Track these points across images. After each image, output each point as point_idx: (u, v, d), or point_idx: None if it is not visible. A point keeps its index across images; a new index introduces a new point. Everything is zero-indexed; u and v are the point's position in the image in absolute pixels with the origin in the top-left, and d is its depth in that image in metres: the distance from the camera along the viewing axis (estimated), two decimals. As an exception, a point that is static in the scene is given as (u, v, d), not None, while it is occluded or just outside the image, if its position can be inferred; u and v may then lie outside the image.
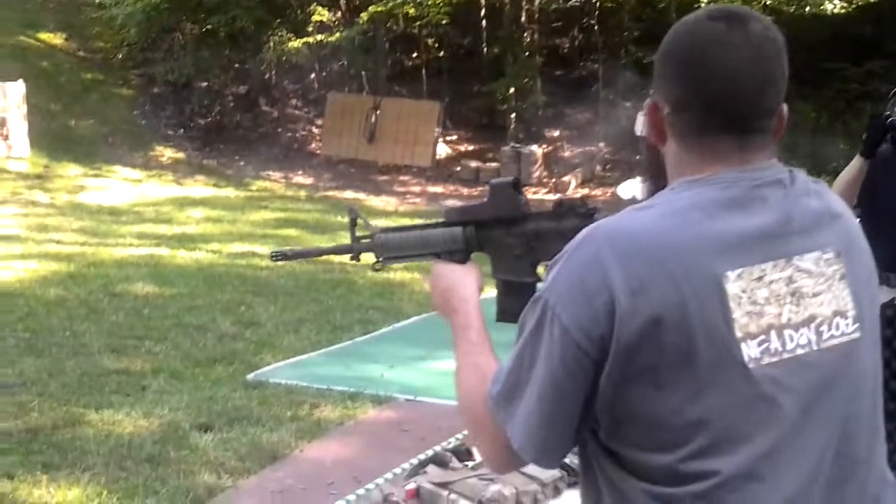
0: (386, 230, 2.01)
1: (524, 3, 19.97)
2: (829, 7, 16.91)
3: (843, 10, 17.48)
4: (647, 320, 1.36)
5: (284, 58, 18.83)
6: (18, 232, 11.66)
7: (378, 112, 18.51)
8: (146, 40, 20.11)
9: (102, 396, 5.81)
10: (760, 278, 1.41)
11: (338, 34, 18.63)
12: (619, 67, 17.58)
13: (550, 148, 18.79)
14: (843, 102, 16.79)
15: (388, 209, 15.68)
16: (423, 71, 21.19)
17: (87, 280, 9.05)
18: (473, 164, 18.62)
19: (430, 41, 21.67)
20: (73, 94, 19.00)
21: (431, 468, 4.41)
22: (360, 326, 7.73)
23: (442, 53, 21.75)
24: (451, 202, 15.76)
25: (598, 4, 20.16)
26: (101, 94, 19.38)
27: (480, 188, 17.15)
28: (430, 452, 4.75)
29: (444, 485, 4.16)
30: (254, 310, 8.17)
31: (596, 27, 20.23)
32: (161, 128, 19.30)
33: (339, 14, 20.56)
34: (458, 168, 18.74)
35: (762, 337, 1.40)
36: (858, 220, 1.62)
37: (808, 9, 16.89)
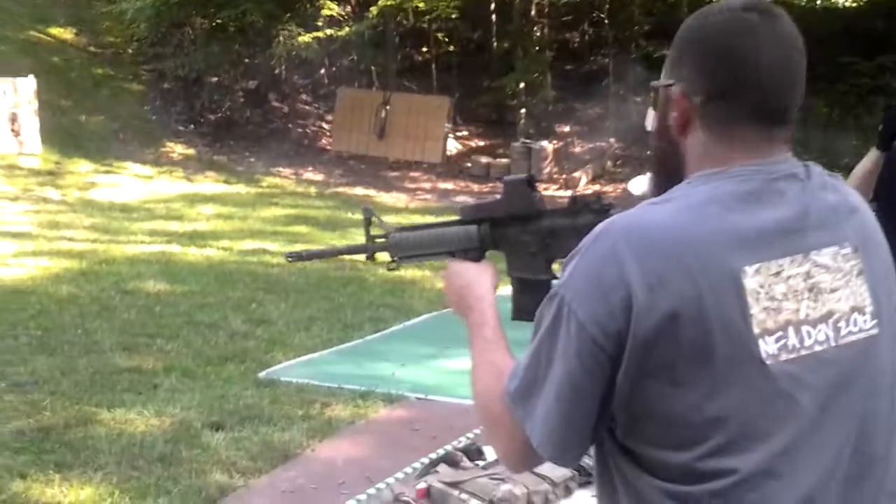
0: (400, 229, 2.00)
1: (534, -4, 19.93)
2: (840, 0, 16.85)
3: (854, 4, 17.44)
4: (664, 315, 1.35)
5: (294, 52, 18.81)
6: (30, 229, 11.69)
7: (388, 107, 18.50)
8: (156, 35, 20.12)
9: (114, 395, 5.82)
10: (778, 273, 1.40)
11: (347, 29, 18.61)
12: (630, 62, 17.53)
13: (561, 143, 18.77)
14: (854, 97, 16.72)
15: (399, 205, 15.67)
16: (433, 66, 21.18)
17: (99, 277, 9.07)
18: (484, 159, 18.60)
19: (439, 36, 21.66)
20: (83, 89, 19.02)
21: (442, 467, 4.41)
22: (371, 324, 7.73)
23: (452, 48, 21.73)
24: (462, 198, 15.75)
25: (608, -2, 20.12)
26: (111, 90, 19.40)
27: (491, 184, 17.14)
28: (441, 452, 4.75)
29: (454, 484, 4.16)
30: (265, 307, 8.17)
31: (606, 21, 20.17)
32: (171, 123, 19.32)
33: (348, 8, 20.54)
34: (469, 164, 18.73)
35: (780, 333, 1.39)
36: (875, 213, 1.61)
37: (819, 2, 16.84)
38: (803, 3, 17.48)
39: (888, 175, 4.03)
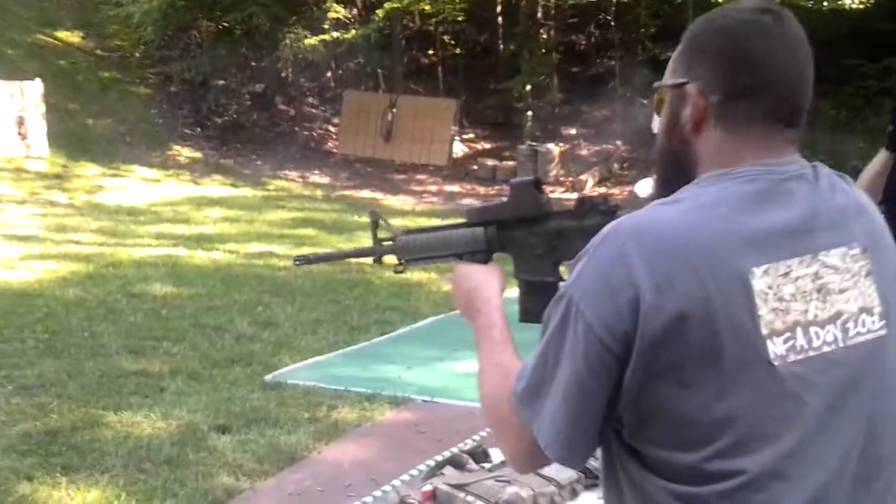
0: (407, 232, 2.00)
1: (540, -1, 19.95)
2: (847, 2, 16.82)
3: (861, 6, 17.40)
4: (672, 316, 1.35)
5: (300, 55, 18.86)
6: (37, 232, 11.71)
7: (394, 110, 18.52)
8: (163, 38, 20.20)
9: (121, 398, 5.82)
10: (787, 274, 1.40)
11: (354, 31, 18.65)
12: (637, 64, 17.54)
13: (567, 146, 18.77)
14: (861, 99, 16.70)
15: (405, 208, 15.68)
16: (440, 68, 21.21)
17: (106, 280, 9.08)
18: (490, 162, 18.61)
19: (446, 38, 21.69)
20: (90, 93, 19.07)
21: (448, 470, 4.40)
22: (377, 327, 7.73)
23: (458, 51, 21.77)
24: (468, 201, 15.76)
25: (614, 0, 20.12)
26: (118, 93, 19.45)
27: (497, 187, 17.15)
28: (446, 454, 4.75)
29: (460, 486, 4.15)
30: (271, 310, 8.18)
31: (613, 24, 20.19)
32: (178, 126, 19.36)
33: (354, 11, 20.57)
34: (475, 166, 18.74)
35: (788, 334, 1.39)
36: (884, 215, 1.61)
37: (826, 4, 16.82)
38: (810, 5, 17.45)
39: None
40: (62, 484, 4.59)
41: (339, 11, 19.44)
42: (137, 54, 20.64)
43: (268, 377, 6.32)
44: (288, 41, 18.81)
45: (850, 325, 1.45)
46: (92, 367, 6.38)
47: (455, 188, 17.70)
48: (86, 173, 16.16)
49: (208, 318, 7.82)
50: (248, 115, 20.22)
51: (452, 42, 21.86)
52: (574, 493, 4.18)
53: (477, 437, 5.03)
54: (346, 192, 16.98)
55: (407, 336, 7.58)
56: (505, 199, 1.87)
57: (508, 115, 20.15)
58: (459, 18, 19.16)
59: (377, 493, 4.48)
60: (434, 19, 19.67)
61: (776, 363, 1.38)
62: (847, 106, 16.78)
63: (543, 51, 19.90)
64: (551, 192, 16.44)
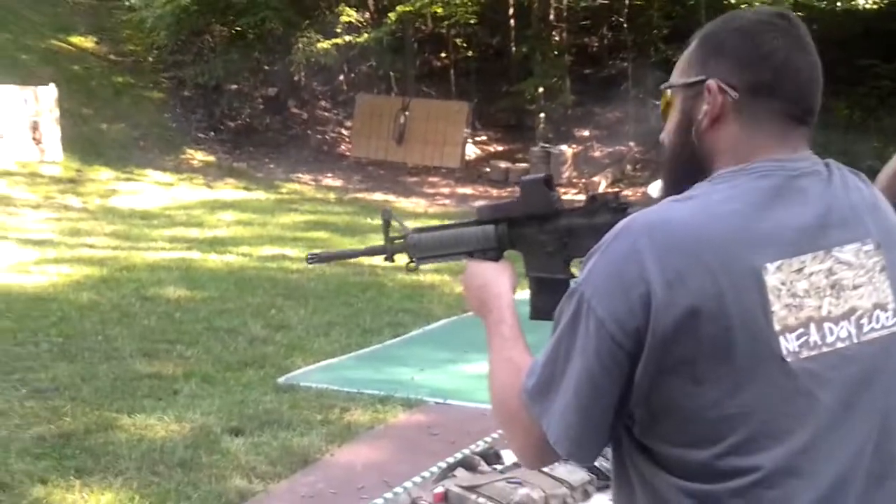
0: (419, 230, 2.00)
1: (552, 1, 19.94)
2: (860, 2, 16.75)
3: (874, 6, 17.33)
4: (684, 312, 1.35)
5: (313, 59, 18.89)
6: (51, 236, 11.77)
7: (407, 113, 18.54)
8: (176, 43, 20.27)
9: (135, 401, 5.84)
10: (800, 270, 1.40)
11: (366, 35, 18.68)
12: (649, 66, 17.50)
13: (580, 148, 18.75)
14: (875, 99, 16.64)
15: (418, 211, 15.69)
16: (452, 71, 21.22)
17: (120, 284, 9.12)
18: (503, 164, 18.60)
19: (458, 41, 21.71)
20: (104, 97, 19.15)
21: (460, 472, 4.40)
22: (389, 329, 7.74)
23: (470, 53, 21.78)
24: (481, 203, 15.75)
25: (627, 2, 20.10)
26: (132, 98, 19.52)
27: (510, 189, 17.15)
28: (458, 456, 4.75)
29: (472, 488, 4.15)
30: (284, 313, 8.19)
31: (625, 25, 20.16)
32: (191, 131, 19.42)
33: (367, 14, 20.60)
34: (488, 169, 18.74)
35: (801, 330, 1.39)
36: None
37: (839, 4, 16.75)
38: (823, 5, 17.40)
39: None
40: (76, 487, 4.61)
41: (351, 15, 19.47)
42: (151, 59, 20.72)
43: (280, 380, 6.33)
44: (300, 45, 18.85)
45: (864, 321, 1.44)
46: (106, 371, 6.41)
47: (468, 190, 17.71)
48: (100, 177, 16.22)
49: (221, 320, 7.84)
50: (261, 118, 20.27)
51: (465, 45, 21.87)
52: (586, 495, 4.17)
53: (489, 439, 5.03)
54: (359, 195, 17.00)
55: (420, 338, 7.59)
56: (516, 196, 1.87)
57: (521, 117, 20.15)
58: (472, 21, 19.17)
59: (389, 494, 4.49)
60: (446, 22, 19.69)
61: (789, 359, 1.38)
62: (861, 106, 16.72)
63: (556, 53, 19.88)
64: (564, 193, 16.42)
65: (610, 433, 1.46)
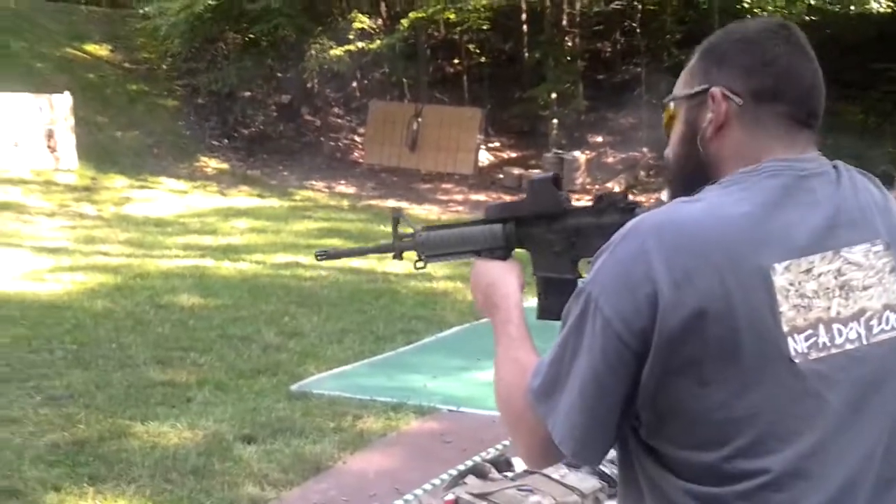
0: (427, 228, 2.01)
1: (565, 6, 19.94)
2: (874, 6, 16.68)
3: (888, 10, 17.27)
4: (691, 312, 1.34)
5: (326, 66, 18.94)
6: (66, 244, 11.82)
7: (420, 119, 18.55)
8: (190, 51, 20.35)
9: (148, 408, 5.86)
10: (809, 271, 1.39)
11: (379, 41, 18.71)
12: (663, 71, 17.47)
13: (593, 154, 18.74)
14: (890, 104, 16.57)
15: (431, 217, 15.70)
16: (465, 77, 21.23)
17: (134, 292, 9.15)
18: (516, 170, 18.60)
19: (471, 47, 21.72)
20: (118, 105, 19.24)
21: (470, 479, 4.39)
22: (402, 337, 7.74)
23: (483, 59, 21.78)
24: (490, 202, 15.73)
25: (640, 7, 20.08)
26: (146, 106, 19.61)
27: (523, 195, 17.12)
28: (469, 463, 4.74)
29: (482, 496, 4.14)
30: (297, 320, 8.21)
31: (638, 30, 20.14)
32: (205, 138, 19.49)
33: (379, 21, 20.65)
34: (501, 175, 18.74)
35: (810, 331, 1.38)
36: None
37: (853, 8, 16.69)
38: (837, 9, 17.34)
39: None
40: (89, 494, 4.63)
41: (364, 22, 19.51)
42: (165, 67, 20.80)
43: (293, 387, 6.34)
44: (314, 52, 18.90)
45: (874, 322, 1.43)
46: (119, 378, 6.43)
47: (481, 197, 17.70)
48: (114, 185, 16.29)
49: (235, 328, 7.86)
50: (275, 126, 20.32)
51: (477, 51, 21.88)
52: (597, 502, 4.16)
53: (500, 446, 5.02)
54: (372, 202, 17.02)
55: (433, 345, 7.59)
56: (525, 196, 1.88)
57: (534, 123, 20.13)
58: (484, 27, 19.19)
59: (399, 502, 4.49)
60: (459, 28, 19.70)
61: (797, 360, 1.37)
62: (875, 110, 16.66)
63: (568, 58, 19.88)
64: (577, 199, 16.40)
65: (616, 434, 1.46)
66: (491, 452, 4.98)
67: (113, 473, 4.87)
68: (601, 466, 4.08)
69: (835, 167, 1.50)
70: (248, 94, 20.34)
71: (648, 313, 1.36)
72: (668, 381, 1.38)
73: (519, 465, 4.40)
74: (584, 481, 4.04)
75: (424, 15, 18.11)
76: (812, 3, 16.58)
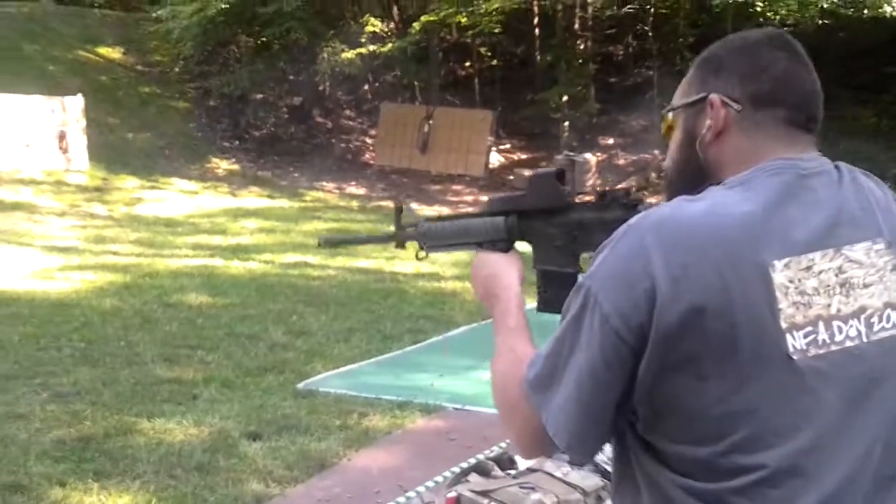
0: (430, 219, 2.01)
1: (577, 10, 19.93)
2: (888, 10, 16.59)
3: (902, 13, 17.18)
4: (689, 308, 1.34)
5: (337, 69, 18.98)
6: (76, 244, 11.87)
7: (431, 122, 18.57)
8: (202, 53, 20.42)
9: (154, 405, 5.87)
10: (809, 268, 1.39)
11: (390, 44, 18.75)
12: (675, 74, 17.42)
13: (604, 156, 18.72)
14: (904, 108, 16.51)
15: (441, 219, 15.69)
16: (476, 80, 21.25)
17: (143, 291, 9.17)
18: (527, 172, 18.56)
19: (482, 50, 21.74)
20: (130, 107, 19.31)
21: (473, 476, 4.37)
22: (410, 336, 7.74)
23: (494, 62, 21.79)
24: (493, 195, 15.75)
25: (652, 11, 20.06)
26: (158, 108, 19.68)
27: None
28: (472, 461, 4.73)
29: (484, 493, 4.12)
30: (305, 319, 8.21)
31: (650, 34, 20.11)
32: (217, 140, 19.55)
33: (391, 24, 20.68)
34: (512, 177, 18.73)
35: (809, 328, 1.37)
36: None
37: (866, 12, 16.63)
38: (850, 13, 17.26)
39: None
40: (94, 490, 4.63)
41: (376, 25, 19.55)
42: (177, 69, 20.88)
43: (300, 385, 6.34)
44: (325, 55, 18.95)
45: (875, 320, 1.42)
46: (127, 376, 6.44)
47: (491, 199, 17.70)
48: (125, 186, 16.35)
49: (243, 326, 7.87)
50: (286, 127, 20.37)
51: (489, 54, 21.90)
52: (600, 500, 4.13)
53: (503, 444, 5.00)
54: (382, 203, 17.04)
55: (440, 345, 7.57)
56: (528, 189, 1.88)
57: (545, 125, 20.13)
58: (496, 30, 19.19)
59: (401, 499, 4.48)
60: (471, 31, 19.71)
61: (795, 357, 1.36)
62: (888, 114, 16.58)
63: (580, 61, 19.87)
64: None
65: (611, 429, 1.45)
66: (494, 450, 4.96)
67: (118, 469, 4.88)
68: (603, 464, 4.07)
69: (836, 167, 1.49)
70: (259, 96, 20.39)
71: (646, 309, 1.35)
72: (665, 376, 1.37)
73: (522, 462, 4.39)
74: (587, 479, 4.02)
75: (436, 18, 18.13)
76: (825, 6, 16.50)
